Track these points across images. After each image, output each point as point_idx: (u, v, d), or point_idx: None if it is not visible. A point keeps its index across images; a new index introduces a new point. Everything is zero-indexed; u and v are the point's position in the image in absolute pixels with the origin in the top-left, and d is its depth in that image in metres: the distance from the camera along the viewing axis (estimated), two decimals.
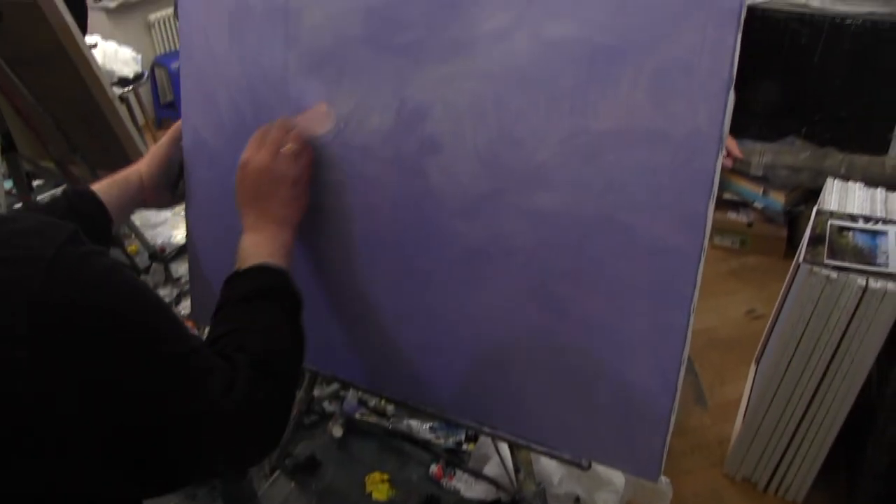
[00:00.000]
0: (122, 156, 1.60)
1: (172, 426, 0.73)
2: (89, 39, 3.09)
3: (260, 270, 0.94)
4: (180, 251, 1.90)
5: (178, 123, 1.20)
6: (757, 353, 2.68)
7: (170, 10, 4.71)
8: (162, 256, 1.80)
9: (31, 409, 0.64)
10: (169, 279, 1.77)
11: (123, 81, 3.61)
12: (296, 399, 0.94)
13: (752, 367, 2.67)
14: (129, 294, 0.71)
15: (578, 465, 1.03)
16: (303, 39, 1.04)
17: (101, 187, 1.10)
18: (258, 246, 0.98)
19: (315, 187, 1.07)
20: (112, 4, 4.33)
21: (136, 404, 0.70)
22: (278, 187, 1.01)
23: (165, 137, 1.20)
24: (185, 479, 0.81)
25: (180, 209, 2.06)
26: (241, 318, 0.90)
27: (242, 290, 0.92)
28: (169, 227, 2.04)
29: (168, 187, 1.21)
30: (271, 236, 0.99)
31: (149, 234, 1.94)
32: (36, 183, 2.02)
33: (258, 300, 0.92)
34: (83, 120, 1.59)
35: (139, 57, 3.92)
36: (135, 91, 3.87)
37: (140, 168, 1.17)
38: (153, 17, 4.73)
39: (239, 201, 1.03)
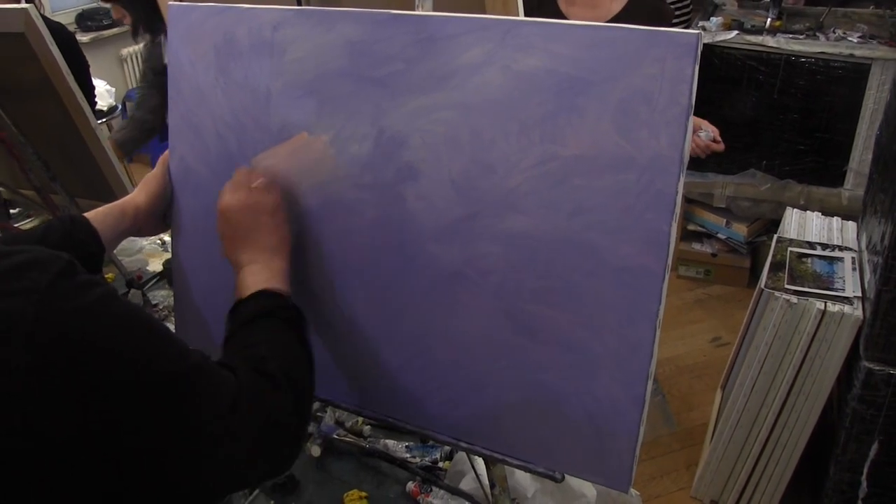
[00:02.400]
0: (103, 186, 1.63)
1: (179, 445, 0.73)
2: None
3: (260, 296, 0.97)
4: (157, 278, 1.93)
5: (167, 154, 1.24)
6: (723, 379, 2.74)
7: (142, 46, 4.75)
8: (139, 284, 1.82)
9: (30, 439, 0.65)
10: (147, 305, 1.79)
11: (98, 114, 3.63)
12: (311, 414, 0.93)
13: (719, 393, 2.73)
14: (122, 321, 0.71)
15: (552, 478, 1.06)
16: (286, 72, 1.09)
17: (96, 216, 1.12)
18: (254, 276, 1.00)
19: (296, 213, 1.12)
20: (86, 39, 4.36)
21: (136, 430, 0.70)
22: (259, 218, 1.05)
23: (158, 168, 1.23)
24: (199, 497, 0.80)
25: (154, 238, 2.11)
26: (246, 339, 0.91)
27: (245, 316, 0.95)
28: (145, 255, 2.07)
29: (161, 216, 1.25)
30: (265, 265, 1.02)
31: (126, 262, 1.96)
32: (13, 211, 2.04)
33: (261, 320, 0.94)
34: (64, 150, 1.62)
35: (113, 90, 3.95)
36: (108, 124, 3.90)
37: (136, 200, 1.19)
38: (125, 51, 4.77)
39: (227, 246, 1.05)
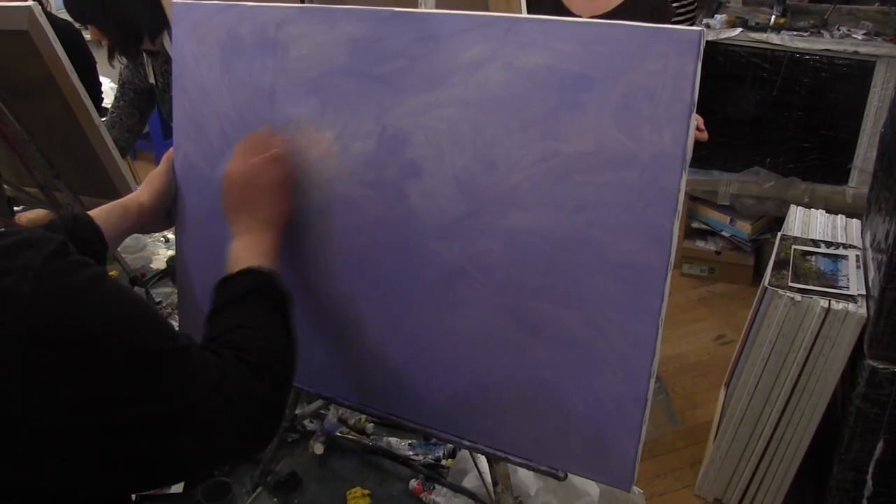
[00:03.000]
0: (106, 183, 1.63)
1: (164, 424, 0.76)
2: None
3: (248, 273, 0.98)
4: (161, 276, 1.93)
5: (171, 150, 1.24)
6: (726, 377, 2.74)
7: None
8: (142, 281, 1.83)
9: (25, 410, 0.67)
10: (150, 302, 1.80)
11: (102, 111, 3.63)
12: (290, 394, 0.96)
13: (722, 391, 2.73)
14: (113, 299, 0.74)
15: (555, 476, 1.06)
16: (290, 70, 1.09)
17: (99, 214, 1.13)
18: (246, 250, 1.02)
19: (299, 209, 1.12)
20: (89, 36, 4.36)
21: (126, 404, 0.72)
22: (263, 192, 1.07)
23: (162, 165, 1.24)
24: (182, 474, 0.83)
25: (158, 235, 2.11)
26: (231, 319, 0.93)
27: (232, 293, 0.96)
28: (149, 252, 2.07)
29: (165, 213, 1.25)
30: (258, 240, 1.04)
31: (129, 259, 1.97)
32: (17, 209, 2.04)
33: (248, 301, 0.96)
34: (68, 147, 1.62)
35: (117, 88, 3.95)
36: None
37: (140, 197, 1.20)
38: None
39: (225, 209, 1.08)
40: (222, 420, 0.81)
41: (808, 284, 2.08)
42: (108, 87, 3.84)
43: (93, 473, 0.73)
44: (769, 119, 3.40)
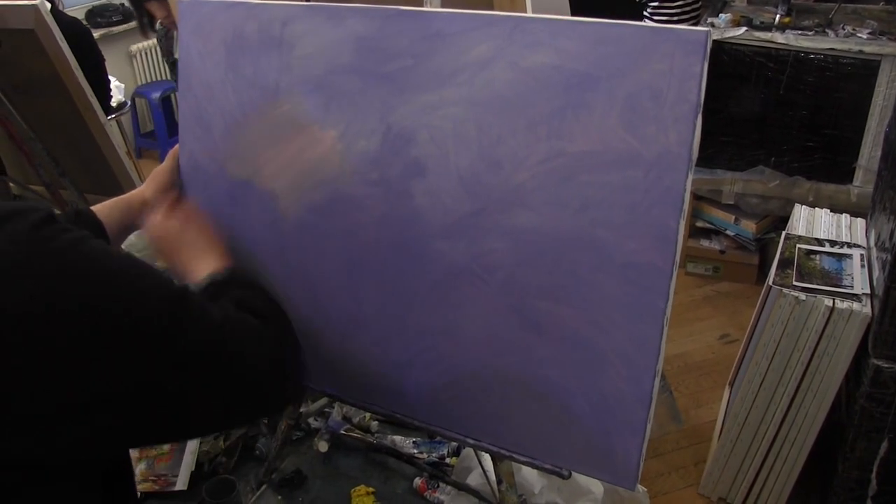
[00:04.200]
0: (111, 181, 1.64)
1: (173, 369, 0.76)
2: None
3: (213, 273, 1.00)
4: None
5: (176, 148, 1.24)
6: (731, 376, 2.73)
7: (151, 42, 4.76)
8: None
9: (23, 383, 0.68)
10: None
11: (109, 110, 3.63)
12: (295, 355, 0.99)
13: (727, 390, 2.72)
14: (105, 257, 0.74)
15: (559, 474, 1.06)
16: (295, 68, 1.09)
17: (102, 209, 1.14)
18: (202, 272, 1.02)
19: (305, 208, 1.12)
20: (95, 35, 4.37)
21: (130, 355, 0.72)
22: (180, 238, 1.09)
23: (167, 162, 1.24)
24: (199, 428, 0.87)
25: None
26: (218, 297, 0.94)
27: (210, 293, 0.96)
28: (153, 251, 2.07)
29: None
30: (206, 263, 1.04)
31: None
32: None
33: (229, 289, 0.97)
34: (73, 145, 1.62)
35: (122, 86, 3.95)
36: (116, 120, 3.90)
37: (144, 193, 1.21)
38: (135, 47, 4.78)
39: (172, 264, 1.08)
40: (233, 360, 0.81)
41: (812, 283, 2.08)
42: (114, 86, 3.84)
43: (97, 439, 0.73)
44: (774, 118, 3.39)
